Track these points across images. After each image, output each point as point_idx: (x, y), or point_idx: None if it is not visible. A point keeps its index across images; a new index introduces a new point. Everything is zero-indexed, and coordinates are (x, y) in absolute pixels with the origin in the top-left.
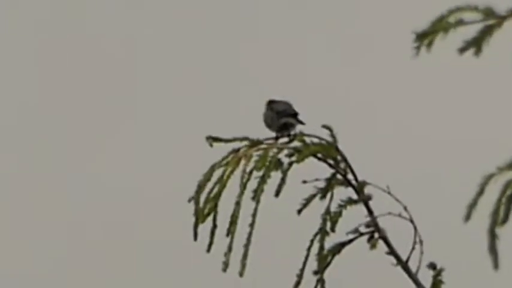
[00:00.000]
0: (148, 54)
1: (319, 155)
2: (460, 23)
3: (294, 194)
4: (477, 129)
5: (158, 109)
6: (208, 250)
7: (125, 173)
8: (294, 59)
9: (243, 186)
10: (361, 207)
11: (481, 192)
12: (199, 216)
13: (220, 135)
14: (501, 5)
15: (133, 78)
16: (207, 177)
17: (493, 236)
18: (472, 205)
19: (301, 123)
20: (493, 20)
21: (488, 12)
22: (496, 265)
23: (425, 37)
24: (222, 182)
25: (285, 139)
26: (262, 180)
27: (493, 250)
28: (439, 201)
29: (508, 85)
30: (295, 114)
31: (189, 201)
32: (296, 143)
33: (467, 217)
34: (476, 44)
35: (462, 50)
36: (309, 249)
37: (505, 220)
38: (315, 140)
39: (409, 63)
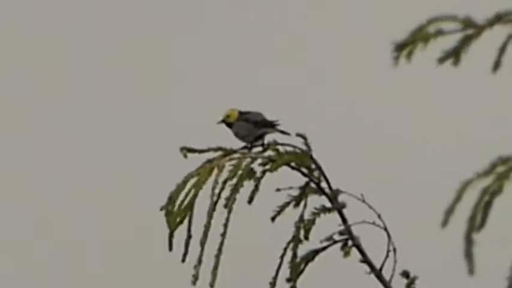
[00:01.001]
0: (82, 52)
1: (293, 164)
2: (440, 33)
3: (269, 202)
4: (453, 138)
5: (90, 110)
6: (183, 260)
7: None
8: (259, 62)
9: (215, 196)
10: (335, 215)
11: (458, 198)
12: (171, 225)
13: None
14: (480, 14)
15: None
16: (180, 188)
17: (469, 242)
18: (450, 211)
19: (282, 131)
20: (472, 30)
21: (468, 22)
22: (471, 271)
23: (404, 47)
24: (194, 192)
25: (259, 148)
26: (235, 190)
27: (468, 256)
28: (413, 209)
29: (485, 92)
30: (272, 124)
31: (161, 209)
32: (270, 152)
33: (445, 223)
34: (455, 54)
35: (441, 60)
36: (282, 257)
37: (481, 226)
38: (289, 149)
39: (384, 71)
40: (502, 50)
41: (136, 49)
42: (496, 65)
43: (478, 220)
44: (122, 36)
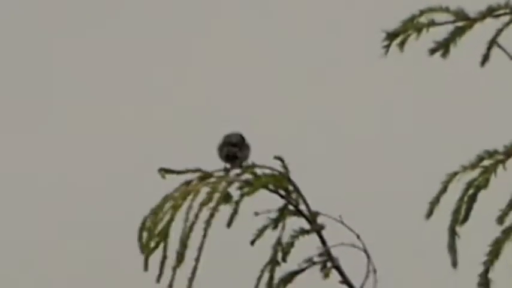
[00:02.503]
0: None
1: (271, 187)
2: (432, 23)
3: (248, 224)
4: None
5: None
6: (158, 281)
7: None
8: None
9: (194, 219)
10: (314, 237)
11: (443, 190)
12: (144, 250)
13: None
14: (472, 6)
15: None
16: (155, 212)
17: (453, 234)
18: (434, 202)
19: (242, 147)
20: (463, 21)
21: (460, 14)
22: (454, 263)
23: (395, 37)
24: (168, 218)
25: (237, 170)
26: (211, 215)
27: (452, 248)
28: (392, 229)
29: (471, 95)
30: (234, 144)
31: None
32: (247, 176)
33: (429, 214)
34: (445, 45)
35: (433, 51)
36: (259, 279)
37: (465, 219)
38: (267, 171)
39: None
40: (491, 44)
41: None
42: (485, 59)
43: (462, 213)
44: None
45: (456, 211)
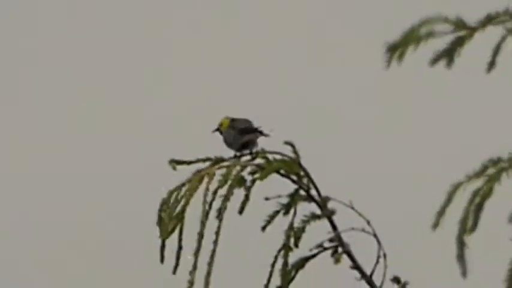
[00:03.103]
0: None
1: (282, 171)
2: (431, 34)
3: (259, 210)
4: (444, 141)
5: None
6: (174, 272)
7: None
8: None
9: (208, 204)
10: (324, 222)
11: (449, 200)
12: (163, 234)
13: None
14: (471, 16)
15: None
16: (170, 197)
17: (461, 244)
18: (440, 213)
19: (265, 135)
20: (463, 31)
21: (459, 24)
22: (464, 272)
23: (396, 49)
24: (185, 201)
25: (248, 157)
26: (226, 198)
27: (461, 258)
28: (402, 214)
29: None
30: (255, 130)
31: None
32: (259, 160)
33: (435, 225)
34: (447, 55)
35: (434, 61)
36: (273, 265)
37: (473, 228)
38: (278, 157)
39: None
40: (496, 50)
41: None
42: (491, 65)
43: (469, 222)
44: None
45: (463, 220)
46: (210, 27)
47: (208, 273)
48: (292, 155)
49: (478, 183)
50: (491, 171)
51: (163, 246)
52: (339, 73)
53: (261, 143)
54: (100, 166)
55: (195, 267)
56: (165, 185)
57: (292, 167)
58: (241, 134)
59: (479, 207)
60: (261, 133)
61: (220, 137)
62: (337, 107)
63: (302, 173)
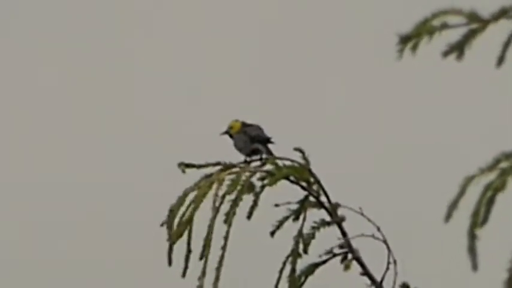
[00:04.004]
0: None
1: (292, 178)
2: (444, 26)
3: (268, 216)
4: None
5: None
6: (184, 275)
7: None
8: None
9: (216, 209)
10: (334, 229)
11: (461, 193)
12: (173, 238)
13: None
14: (485, 8)
15: None
16: (180, 201)
17: (472, 237)
18: (453, 205)
19: (272, 142)
20: (476, 23)
21: (473, 16)
22: (475, 266)
23: (409, 40)
24: (194, 205)
25: (257, 162)
26: (234, 203)
27: (472, 251)
28: (412, 220)
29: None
30: (267, 140)
31: (162, 225)
32: (269, 166)
33: (448, 217)
34: (459, 48)
35: (446, 54)
36: (281, 271)
37: (484, 222)
38: (288, 163)
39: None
40: (506, 44)
41: None
42: (500, 60)
43: (481, 216)
44: None
45: (475, 214)
46: (210, 27)
47: (217, 278)
48: (302, 161)
49: (491, 176)
50: (504, 164)
51: (170, 250)
52: (348, 77)
53: (271, 149)
54: (104, 171)
55: (204, 272)
56: (174, 189)
57: (302, 174)
58: (252, 141)
59: (491, 201)
60: (272, 142)
61: (228, 140)
62: (349, 112)
63: (312, 180)
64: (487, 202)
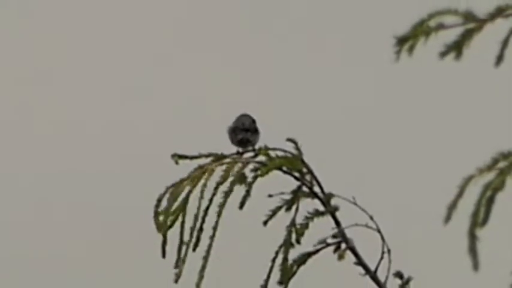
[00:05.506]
0: None
1: (285, 168)
2: (441, 27)
3: (262, 207)
4: (446, 136)
5: None
6: (176, 267)
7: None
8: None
9: (209, 200)
10: (328, 219)
11: (460, 194)
12: (160, 228)
13: None
14: (481, 8)
15: None
16: (171, 191)
17: (472, 237)
18: (452, 206)
19: (254, 131)
20: (473, 23)
21: (469, 16)
22: (475, 266)
23: (406, 41)
24: (184, 196)
25: (250, 153)
26: (226, 195)
27: (472, 251)
28: (406, 209)
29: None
30: (246, 129)
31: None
32: (261, 157)
33: (447, 219)
34: (457, 47)
35: (443, 54)
36: (273, 260)
37: (484, 222)
38: (280, 153)
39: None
40: (505, 43)
41: None
42: (499, 59)
43: (481, 216)
44: None
45: (474, 214)
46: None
47: (203, 268)
48: (294, 151)
49: (490, 176)
50: (502, 164)
51: (164, 242)
52: (338, 70)
53: (263, 140)
54: (101, 163)
55: (183, 260)
56: (165, 181)
57: (294, 164)
58: (235, 132)
59: (491, 201)
60: (254, 131)
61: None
62: (338, 103)
63: (305, 170)
64: (486, 202)
